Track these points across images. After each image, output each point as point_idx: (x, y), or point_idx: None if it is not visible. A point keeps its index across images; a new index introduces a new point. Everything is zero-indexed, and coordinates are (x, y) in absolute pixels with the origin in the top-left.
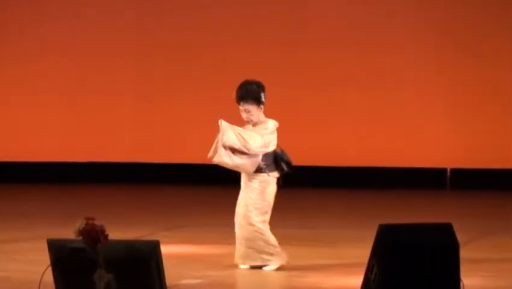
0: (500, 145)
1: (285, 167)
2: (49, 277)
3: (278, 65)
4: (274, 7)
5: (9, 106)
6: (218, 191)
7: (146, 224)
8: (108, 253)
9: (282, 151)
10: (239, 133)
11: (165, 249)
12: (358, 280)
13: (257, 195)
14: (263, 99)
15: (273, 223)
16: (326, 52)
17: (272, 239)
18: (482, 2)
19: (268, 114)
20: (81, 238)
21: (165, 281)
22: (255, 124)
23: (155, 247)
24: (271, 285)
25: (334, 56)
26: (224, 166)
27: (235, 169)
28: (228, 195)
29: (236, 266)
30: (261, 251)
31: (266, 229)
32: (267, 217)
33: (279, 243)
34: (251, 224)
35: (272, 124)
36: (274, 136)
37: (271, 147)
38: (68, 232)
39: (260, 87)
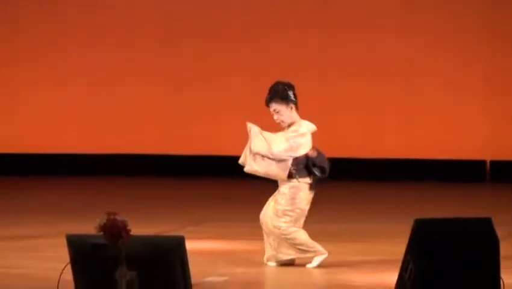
0: None
1: (317, 173)
2: (68, 274)
3: (312, 53)
4: None
5: (36, 98)
6: (254, 184)
7: (173, 218)
8: (130, 249)
9: (319, 155)
10: (265, 138)
11: (191, 245)
12: (393, 277)
13: (287, 201)
14: (292, 98)
15: (308, 217)
16: (368, 40)
17: (303, 240)
18: None
19: (313, 109)
20: (102, 233)
21: (190, 279)
22: (289, 126)
23: (179, 242)
24: (300, 282)
25: (375, 46)
26: (256, 174)
27: (267, 177)
28: (263, 189)
29: (264, 263)
30: (290, 248)
31: (296, 234)
32: (299, 224)
33: (313, 238)
34: (277, 228)
35: (305, 126)
36: (306, 139)
37: (301, 151)
38: (89, 227)
39: (287, 86)
